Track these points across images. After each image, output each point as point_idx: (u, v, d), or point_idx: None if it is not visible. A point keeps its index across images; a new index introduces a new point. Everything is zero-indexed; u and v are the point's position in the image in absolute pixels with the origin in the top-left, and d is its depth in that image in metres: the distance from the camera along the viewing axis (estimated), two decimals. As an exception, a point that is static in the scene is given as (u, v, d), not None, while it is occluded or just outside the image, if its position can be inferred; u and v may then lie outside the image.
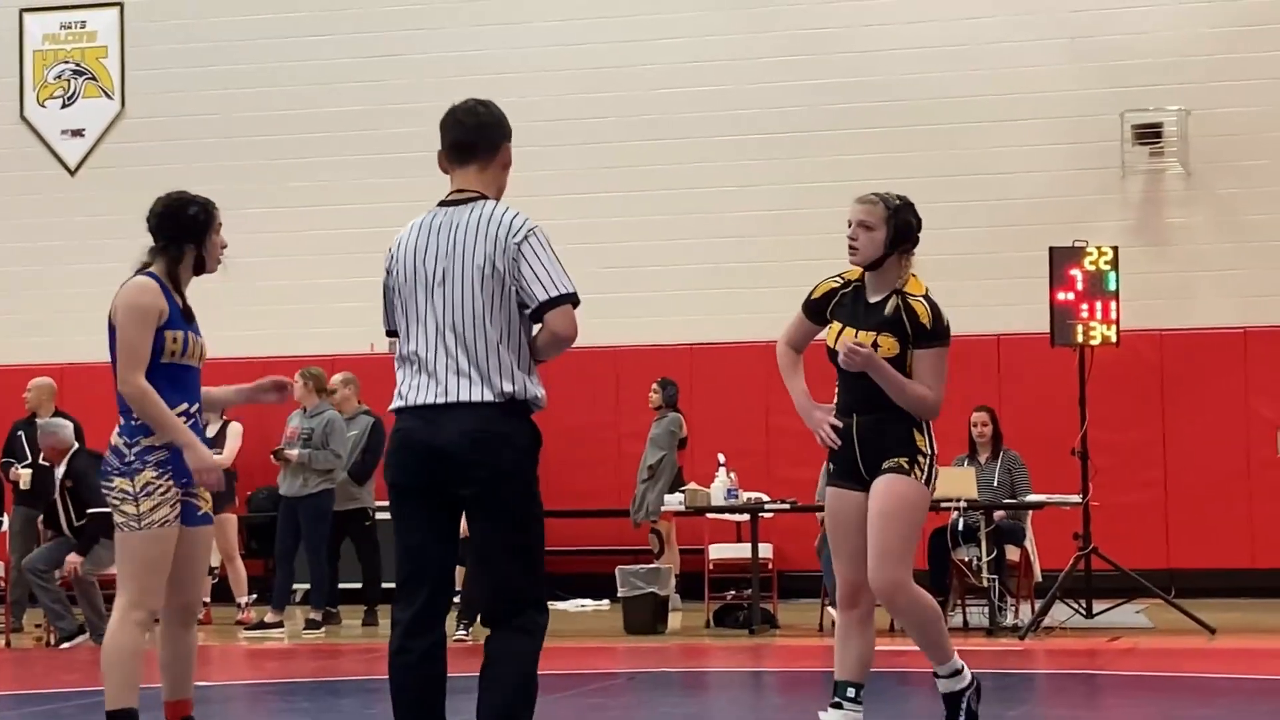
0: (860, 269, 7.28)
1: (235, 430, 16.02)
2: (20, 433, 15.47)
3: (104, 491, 7.17)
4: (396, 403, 6.08)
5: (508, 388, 5.94)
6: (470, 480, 5.91)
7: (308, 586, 15.50)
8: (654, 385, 16.65)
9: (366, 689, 10.88)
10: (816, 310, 7.35)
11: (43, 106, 20.08)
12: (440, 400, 5.94)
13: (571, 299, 5.95)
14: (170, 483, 7.07)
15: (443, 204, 6.15)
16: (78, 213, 19.75)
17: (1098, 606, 14.17)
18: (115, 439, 7.17)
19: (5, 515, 15.49)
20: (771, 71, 18.58)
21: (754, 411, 17.68)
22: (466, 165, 6.14)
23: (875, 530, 7.04)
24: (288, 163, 19.31)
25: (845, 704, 7.18)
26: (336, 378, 15.90)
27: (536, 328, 6.00)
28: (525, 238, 5.96)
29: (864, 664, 7.24)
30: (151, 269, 7.41)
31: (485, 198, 6.10)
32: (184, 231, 7.42)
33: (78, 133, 19.96)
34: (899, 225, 7.24)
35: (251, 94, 19.54)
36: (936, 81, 18.20)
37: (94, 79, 19.97)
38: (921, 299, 7.16)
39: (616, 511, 17.53)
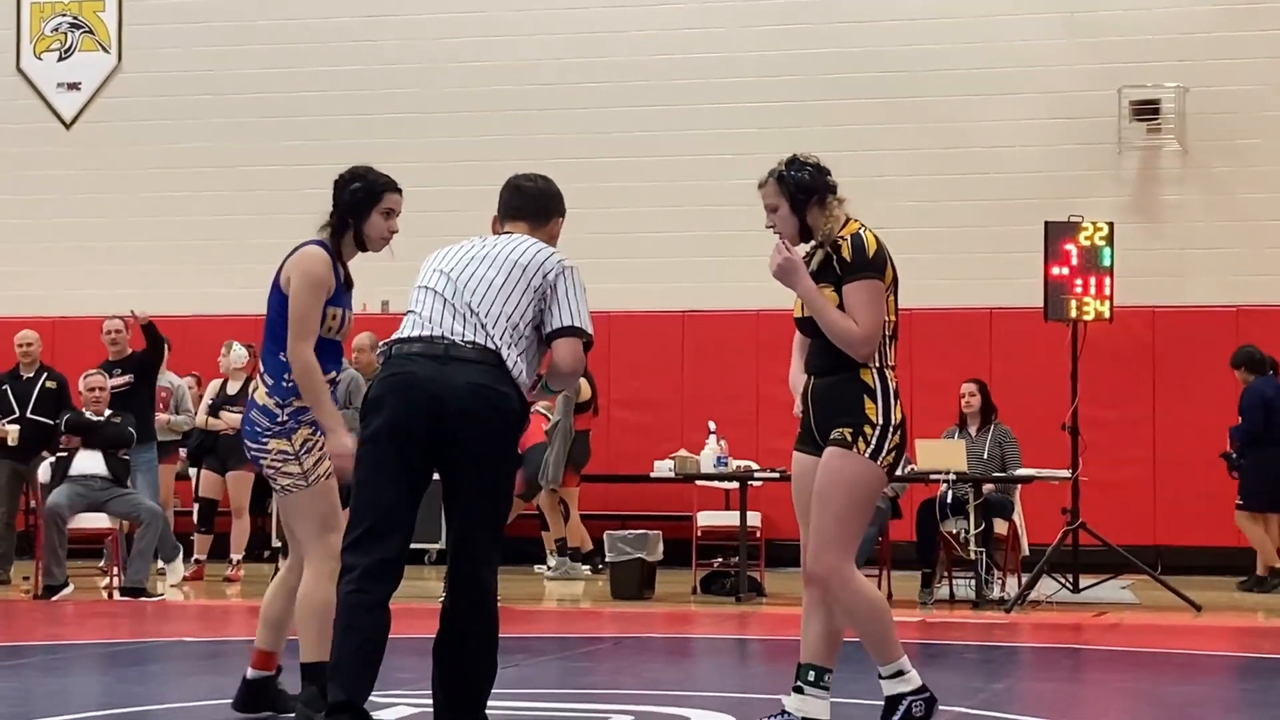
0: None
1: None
2: (5, 386, 15.40)
3: (255, 455, 7.16)
4: (392, 339, 6.28)
5: (505, 353, 6.13)
6: (464, 432, 6.04)
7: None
8: None
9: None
10: None
11: (39, 59, 20.02)
12: (438, 335, 6.15)
13: (582, 335, 6.29)
14: (322, 439, 7.09)
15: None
16: (72, 166, 19.72)
17: (1084, 581, 14.20)
18: (264, 399, 7.13)
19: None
20: (768, 40, 18.55)
21: (745, 380, 17.68)
22: (516, 222, 6.52)
23: (814, 513, 6.68)
24: (281, 120, 19.27)
25: (806, 688, 6.75)
26: (364, 339, 15.52)
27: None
28: (566, 269, 6.31)
29: (827, 645, 6.78)
30: (322, 238, 7.30)
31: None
32: (344, 207, 7.32)
33: (74, 86, 19.90)
34: (791, 187, 6.79)
35: (247, 51, 19.49)
36: (934, 54, 18.18)
37: (91, 33, 19.91)
38: (847, 237, 6.70)
39: (607, 477, 17.56)
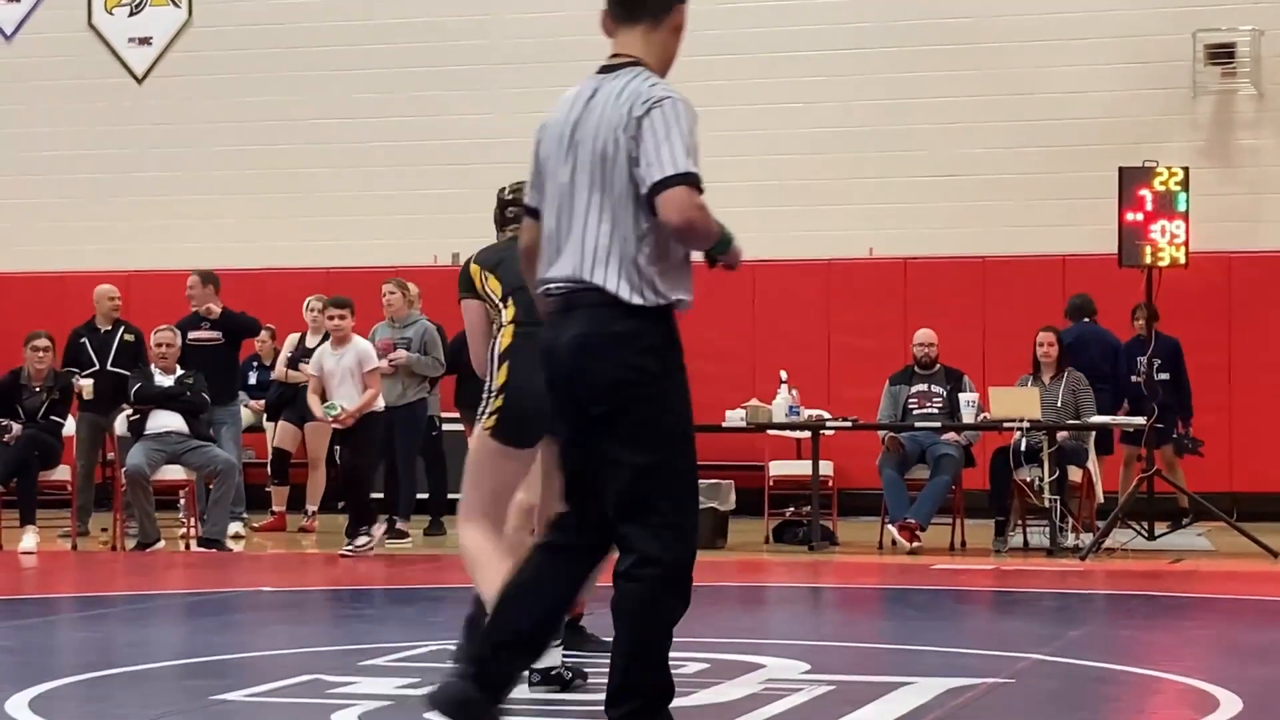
0: None
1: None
2: (84, 339, 15.50)
3: None
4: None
5: (617, 289, 5.16)
6: (591, 396, 5.13)
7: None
8: None
9: (432, 597, 11.03)
10: None
11: (110, 14, 20.10)
12: (558, 289, 5.24)
13: (684, 179, 5.05)
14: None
15: (600, 70, 5.42)
16: (144, 121, 19.80)
17: (1159, 529, 14.13)
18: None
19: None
20: (838, -14, 18.44)
21: (816, 329, 17.63)
22: (632, 26, 5.39)
23: None
24: (352, 73, 19.29)
25: None
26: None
27: None
28: (650, 109, 5.13)
29: None
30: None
31: (642, 65, 5.33)
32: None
33: (145, 41, 19.98)
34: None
35: (317, 4, 19.51)
36: (1006, -1, 18.03)
37: (161, -13, 19.97)
38: None
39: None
